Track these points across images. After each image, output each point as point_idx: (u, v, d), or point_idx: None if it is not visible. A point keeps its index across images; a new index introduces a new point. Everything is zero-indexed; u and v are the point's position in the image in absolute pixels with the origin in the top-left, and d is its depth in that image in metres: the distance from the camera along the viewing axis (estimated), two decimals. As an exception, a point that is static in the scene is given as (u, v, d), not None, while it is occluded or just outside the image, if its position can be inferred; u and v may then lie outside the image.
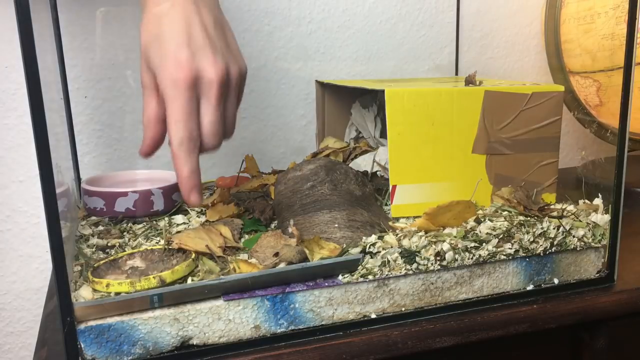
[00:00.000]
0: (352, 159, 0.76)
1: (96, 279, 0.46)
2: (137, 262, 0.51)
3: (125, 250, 0.54)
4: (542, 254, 0.56)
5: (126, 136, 0.83)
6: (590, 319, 0.57)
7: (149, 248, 0.53)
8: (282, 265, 0.50)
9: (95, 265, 0.50)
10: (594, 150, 1.10)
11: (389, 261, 0.51)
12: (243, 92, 0.56)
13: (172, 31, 0.49)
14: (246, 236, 0.59)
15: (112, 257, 0.52)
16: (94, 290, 0.46)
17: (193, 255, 0.51)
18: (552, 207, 0.62)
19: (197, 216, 0.64)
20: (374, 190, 0.65)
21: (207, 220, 0.61)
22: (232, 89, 0.51)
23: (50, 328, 0.52)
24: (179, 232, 0.59)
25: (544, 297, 0.57)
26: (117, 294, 0.46)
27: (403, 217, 0.61)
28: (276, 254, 0.51)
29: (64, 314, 0.42)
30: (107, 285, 0.46)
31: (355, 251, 0.51)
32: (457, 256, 0.53)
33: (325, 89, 0.83)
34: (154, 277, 0.46)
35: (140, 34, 0.50)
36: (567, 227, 0.57)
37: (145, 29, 0.50)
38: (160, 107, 0.50)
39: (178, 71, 0.47)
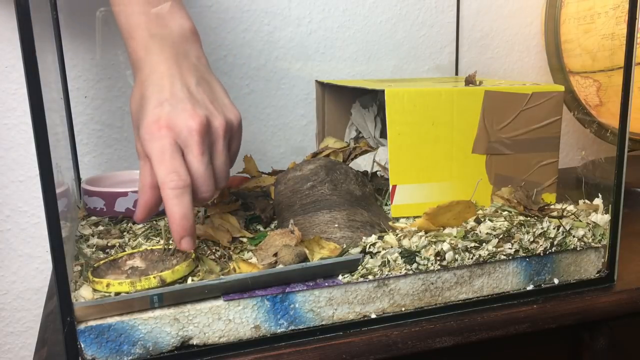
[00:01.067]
0: (352, 159, 0.76)
1: (96, 279, 0.46)
2: (137, 262, 0.51)
3: (125, 250, 0.54)
4: (542, 254, 0.56)
5: (126, 136, 0.83)
6: (590, 319, 0.57)
7: (149, 248, 0.53)
8: (281, 266, 0.50)
9: (95, 265, 0.50)
10: (594, 150, 1.10)
11: (389, 261, 0.51)
12: (239, 143, 0.55)
13: (153, 92, 0.49)
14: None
15: (112, 257, 0.52)
16: (94, 290, 0.46)
17: (193, 255, 0.51)
18: (552, 207, 0.62)
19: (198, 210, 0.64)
20: (374, 190, 0.65)
21: (214, 208, 0.61)
22: (217, 140, 0.50)
23: (50, 328, 0.52)
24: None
25: (544, 297, 0.57)
26: (118, 293, 0.46)
27: (403, 217, 0.61)
28: (275, 255, 0.51)
29: (64, 314, 0.42)
30: (108, 285, 0.46)
31: (355, 251, 0.51)
32: (457, 256, 0.53)
33: (325, 89, 0.83)
34: (154, 277, 0.46)
35: (130, 105, 0.51)
36: (567, 227, 0.57)
37: (133, 98, 0.51)
38: (152, 172, 0.49)
39: (155, 125, 0.48)
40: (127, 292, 0.46)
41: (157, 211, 0.51)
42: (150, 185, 0.49)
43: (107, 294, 0.46)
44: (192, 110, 0.49)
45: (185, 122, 0.48)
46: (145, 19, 0.51)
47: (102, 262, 0.51)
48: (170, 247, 0.53)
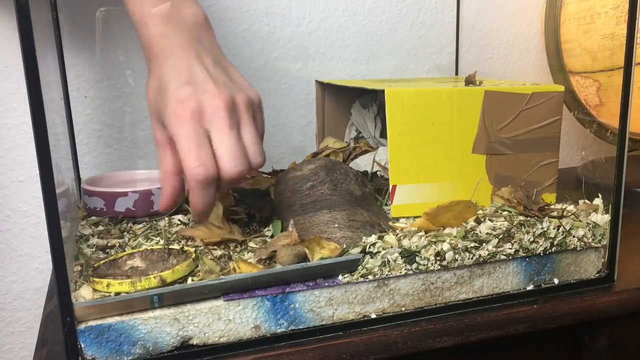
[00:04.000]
0: (352, 159, 0.76)
1: (97, 279, 0.46)
2: (137, 262, 0.51)
3: (125, 250, 0.54)
4: (542, 254, 0.56)
5: (126, 136, 0.83)
6: (590, 319, 0.57)
7: (149, 248, 0.53)
8: (280, 266, 0.50)
9: (95, 265, 0.50)
10: (594, 150, 1.10)
11: (389, 261, 0.51)
12: (263, 121, 0.55)
13: (172, 75, 0.49)
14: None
15: (112, 257, 0.52)
16: (95, 290, 0.46)
17: (193, 255, 0.51)
18: (552, 207, 0.62)
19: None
20: (374, 190, 0.65)
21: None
22: (242, 116, 0.50)
23: (50, 328, 0.52)
24: (183, 224, 0.59)
25: (544, 297, 0.57)
26: (118, 293, 0.46)
27: (403, 217, 0.61)
28: (272, 252, 0.51)
29: (64, 314, 0.42)
30: (108, 285, 0.46)
31: (355, 251, 0.51)
32: (457, 256, 0.53)
33: (325, 89, 0.83)
34: (154, 277, 0.46)
35: (147, 93, 0.51)
36: (567, 227, 0.57)
37: (149, 86, 0.51)
38: (175, 159, 0.49)
39: (181, 106, 0.47)
40: (127, 292, 0.46)
41: (183, 198, 0.51)
42: (174, 172, 0.50)
43: (107, 294, 0.46)
44: (215, 89, 0.49)
45: (209, 101, 0.48)
46: (159, 7, 0.51)
47: (102, 262, 0.51)
48: (170, 247, 0.53)
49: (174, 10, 0.51)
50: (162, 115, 0.49)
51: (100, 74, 0.81)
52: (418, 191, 0.62)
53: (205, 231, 0.56)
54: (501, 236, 0.55)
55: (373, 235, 0.53)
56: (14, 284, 0.82)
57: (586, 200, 0.63)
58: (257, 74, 0.88)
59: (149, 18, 0.51)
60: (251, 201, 0.65)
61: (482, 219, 0.57)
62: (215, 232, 0.56)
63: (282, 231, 0.58)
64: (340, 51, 0.92)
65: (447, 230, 0.55)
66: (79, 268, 0.50)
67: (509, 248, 0.55)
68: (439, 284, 0.53)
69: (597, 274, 0.60)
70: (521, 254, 0.55)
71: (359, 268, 0.50)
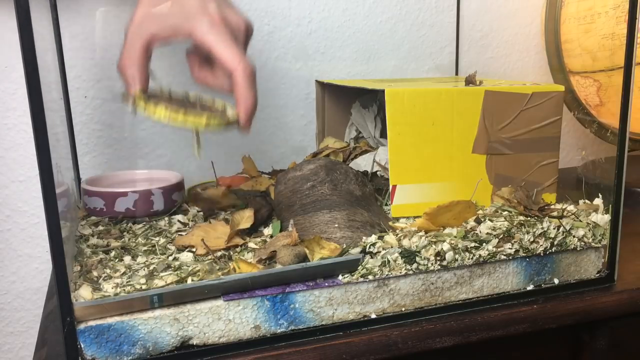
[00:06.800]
0: (352, 159, 0.76)
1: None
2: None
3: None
4: (542, 254, 0.56)
5: (126, 136, 0.83)
6: (590, 319, 0.57)
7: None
8: (279, 266, 0.50)
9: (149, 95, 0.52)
10: (594, 150, 1.10)
11: (389, 261, 0.51)
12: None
13: None
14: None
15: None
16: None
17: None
18: (552, 207, 0.62)
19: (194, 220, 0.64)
20: (374, 190, 0.65)
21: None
22: (246, 44, 0.55)
23: (50, 328, 0.52)
24: (180, 231, 0.59)
25: (544, 297, 0.57)
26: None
27: (403, 217, 0.61)
28: (271, 252, 0.51)
29: (64, 314, 0.42)
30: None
31: (355, 251, 0.51)
32: (457, 256, 0.53)
33: (325, 89, 0.83)
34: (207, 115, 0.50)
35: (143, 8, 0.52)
36: (567, 227, 0.57)
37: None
38: (147, 55, 0.52)
39: (215, 16, 0.51)
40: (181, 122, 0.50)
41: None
42: (143, 59, 0.52)
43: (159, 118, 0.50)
44: (235, 14, 0.53)
45: (235, 18, 0.53)
46: None
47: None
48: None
49: None
50: (181, 22, 0.51)
51: (100, 74, 0.80)
52: (418, 191, 0.62)
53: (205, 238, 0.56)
54: (501, 236, 0.55)
55: (373, 235, 0.53)
56: (14, 284, 0.82)
57: (586, 200, 0.63)
58: (257, 74, 0.87)
59: None
60: (249, 201, 0.65)
61: (482, 219, 0.57)
62: (216, 240, 0.56)
63: (281, 231, 0.58)
64: (340, 51, 0.92)
65: (447, 230, 0.55)
66: (79, 268, 0.50)
67: (509, 248, 0.55)
68: (439, 284, 0.53)
69: (597, 274, 0.60)
70: (521, 254, 0.55)
71: (359, 268, 0.50)
